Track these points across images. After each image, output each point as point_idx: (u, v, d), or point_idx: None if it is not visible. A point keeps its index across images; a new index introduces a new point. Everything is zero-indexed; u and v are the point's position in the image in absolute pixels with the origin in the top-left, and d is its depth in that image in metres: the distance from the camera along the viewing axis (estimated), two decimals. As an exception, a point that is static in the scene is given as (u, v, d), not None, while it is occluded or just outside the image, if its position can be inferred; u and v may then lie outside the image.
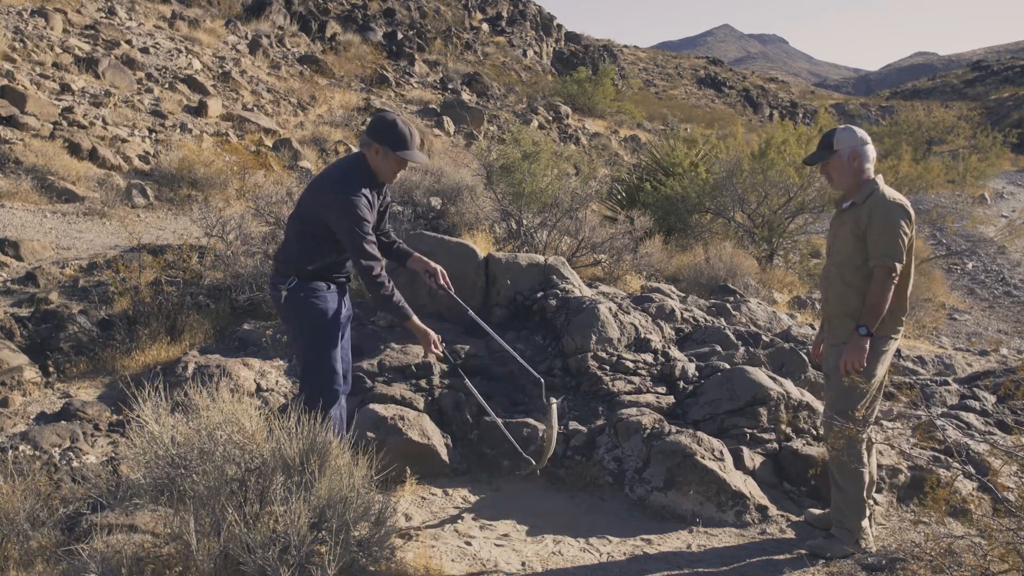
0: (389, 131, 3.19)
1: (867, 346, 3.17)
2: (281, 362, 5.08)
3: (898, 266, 3.15)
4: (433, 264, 3.51)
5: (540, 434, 4.12)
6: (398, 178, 3.39)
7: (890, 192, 3.25)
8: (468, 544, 3.40)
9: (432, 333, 3.27)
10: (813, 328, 6.60)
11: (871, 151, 3.29)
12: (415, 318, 3.26)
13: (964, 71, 77.12)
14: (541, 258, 6.07)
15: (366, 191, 3.19)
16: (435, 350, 3.26)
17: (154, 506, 2.66)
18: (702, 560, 3.39)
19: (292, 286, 3.23)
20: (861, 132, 3.31)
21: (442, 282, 3.47)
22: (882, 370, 3.31)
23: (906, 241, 3.18)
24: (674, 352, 5.27)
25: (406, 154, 3.20)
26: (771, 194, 10.31)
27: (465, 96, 21.08)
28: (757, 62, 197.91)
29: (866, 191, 3.25)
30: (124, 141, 10.35)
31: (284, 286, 3.24)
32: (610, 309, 5.39)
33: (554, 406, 3.53)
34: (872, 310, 3.17)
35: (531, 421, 4.35)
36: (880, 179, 3.28)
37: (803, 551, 3.39)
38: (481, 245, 6.54)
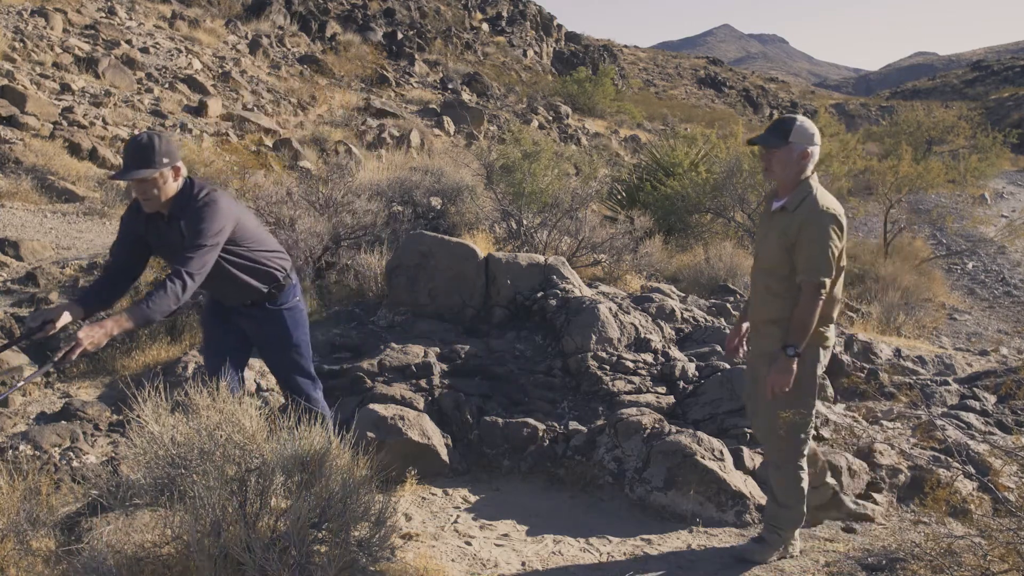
0: None
1: (795, 367, 3.00)
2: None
3: (827, 281, 2.96)
4: (80, 335, 2.54)
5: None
6: (148, 203, 2.92)
7: (823, 198, 3.01)
8: (468, 544, 3.40)
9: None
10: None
11: (818, 152, 3.09)
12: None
13: (964, 71, 77.11)
14: (541, 258, 6.07)
15: (131, 214, 3.06)
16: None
17: (154, 506, 2.66)
18: (702, 560, 3.38)
19: None
20: (816, 130, 3.09)
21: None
22: (812, 382, 3.15)
23: (836, 253, 2.99)
24: (674, 352, 5.28)
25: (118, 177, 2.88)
26: (771, 194, 10.30)
27: (465, 96, 21.08)
28: (757, 62, 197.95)
29: (799, 195, 3.02)
30: (124, 141, 10.36)
31: None
32: (610, 309, 5.39)
33: None
34: (799, 328, 2.97)
35: (531, 421, 4.35)
36: (815, 180, 3.06)
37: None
38: (481, 245, 6.54)
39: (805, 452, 3.23)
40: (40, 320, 2.68)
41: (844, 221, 3.04)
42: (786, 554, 3.34)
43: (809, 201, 3.00)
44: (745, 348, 3.49)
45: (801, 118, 3.07)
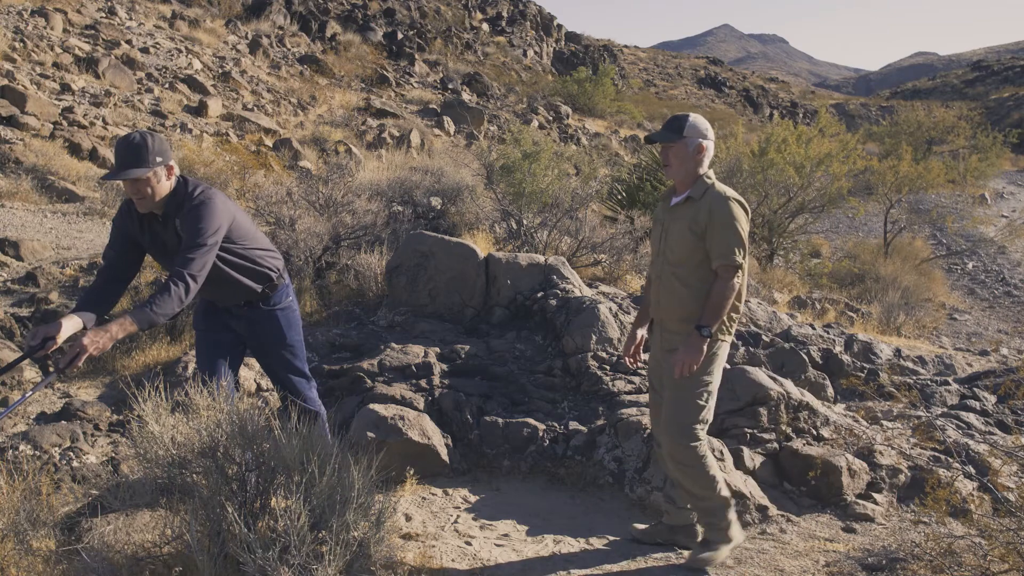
0: None
1: (705, 348, 3.04)
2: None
3: (742, 262, 3.04)
4: (85, 341, 2.56)
5: None
6: (141, 202, 2.89)
7: (725, 188, 3.14)
8: (468, 544, 3.40)
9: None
10: (814, 328, 6.59)
11: (712, 147, 3.20)
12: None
13: (964, 71, 77.12)
14: (541, 258, 6.07)
15: (123, 215, 3.03)
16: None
17: (154, 506, 2.66)
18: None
19: None
20: (708, 126, 3.20)
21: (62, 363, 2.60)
22: (718, 375, 3.18)
23: (745, 236, 3.08)
24: (674, 352, 5.27)
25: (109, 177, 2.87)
26: (771, 194, 10.32)
27: (465, 96, 21.09)
28: (757, 62, 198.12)
29: (701, 186, 3.13)
30: (124, 141, 10.36)
31: None
32: (610, 309, 5.39)
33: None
34: (715, 309, 3.03)
35: (531, 421, 4.35)
36: (712, 173, 3.18)
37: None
38: (481, 245, 6.55)
39: (703, 439, 3.15)
40: (41, 337, 2.64)
41: (748, 209, 3.17)
42: (729, 541, 3.21)
43: (713, 190, 3.12)
44: (641, 357, 3.47)
45: (694, 115, 3.21)
